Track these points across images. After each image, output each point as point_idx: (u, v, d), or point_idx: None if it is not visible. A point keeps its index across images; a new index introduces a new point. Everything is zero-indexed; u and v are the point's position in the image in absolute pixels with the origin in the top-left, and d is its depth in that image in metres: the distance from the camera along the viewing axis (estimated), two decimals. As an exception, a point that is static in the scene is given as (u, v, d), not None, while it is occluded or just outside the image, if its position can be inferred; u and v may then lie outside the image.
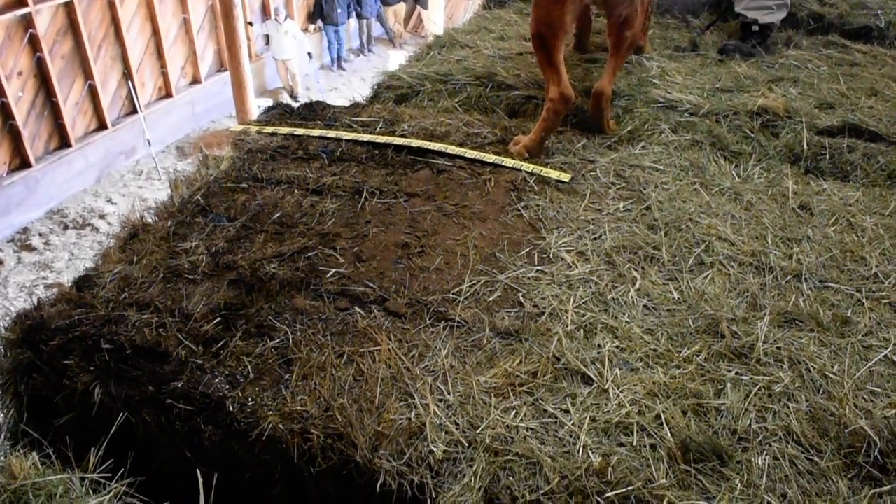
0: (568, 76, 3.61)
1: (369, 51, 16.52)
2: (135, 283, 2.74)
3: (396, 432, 2.15)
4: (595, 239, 3.00)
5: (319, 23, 14.93)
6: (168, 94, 12.04)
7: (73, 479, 2.01)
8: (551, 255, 2.89)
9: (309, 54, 13.63)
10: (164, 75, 11.85)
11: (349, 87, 14.47)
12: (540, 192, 3.29)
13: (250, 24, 12.69)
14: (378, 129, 3.87)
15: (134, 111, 11.20)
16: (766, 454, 2.09)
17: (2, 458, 2.10)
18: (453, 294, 2.67)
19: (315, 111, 4.18)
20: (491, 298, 2.66)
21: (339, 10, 14.46)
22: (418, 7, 17.10)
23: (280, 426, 2.18)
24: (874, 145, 3.74)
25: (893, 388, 2.32)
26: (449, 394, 2.27)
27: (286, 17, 13.05)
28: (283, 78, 13.95)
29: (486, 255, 2.88)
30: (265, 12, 13.67)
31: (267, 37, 13.52)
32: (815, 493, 2.00)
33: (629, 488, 1.98)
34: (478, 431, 2.15)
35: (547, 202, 3.22)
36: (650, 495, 1.97)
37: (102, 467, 2.08)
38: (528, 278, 2.76)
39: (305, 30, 14.62)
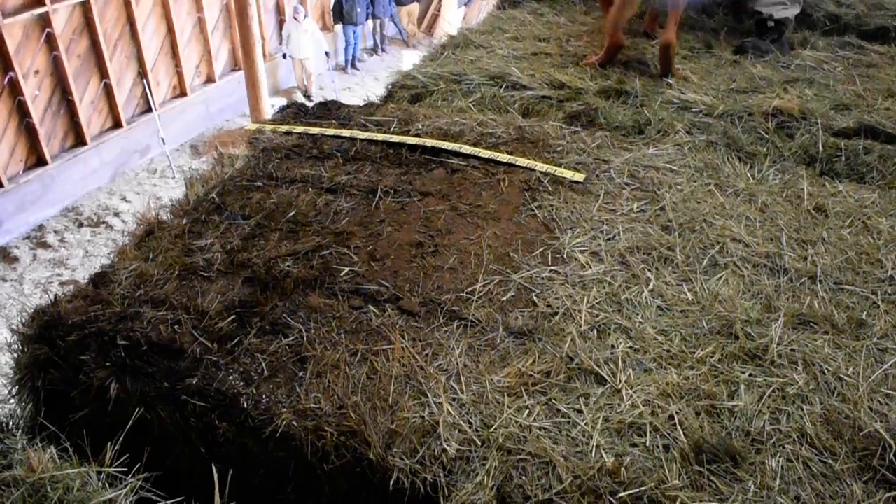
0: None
1: (383, 50, 16.52)
2: (150, 280, 2.76)
3: (410, 430, 2.16)
4: (609, 239, 2.99)
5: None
6: (183, 93, 12.08)
7: (89, 473, 2.03)
8: (565, 256, 2.89)
9: (326, 53, 13.66)
10: (179, 74, 11.89)
11: (363, 86, 14.45)
12: (554, 192, 3.29)
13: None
14: (392, 129, 3.88)
15: (149, 110, 11.24)
16: (780, 456, 2.09)
17: (20, 451, 2.12)
18: (467, 293, 2.68)
19: (329, 110, 4.20)
20: (504, 298, 2.67)
21: (359, 10, 14.47)
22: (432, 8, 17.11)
23: (294, 423, 2.20)
24: (891, 147, 3.71)
25: (909, 391, 2.31)
26: (462, 393, 2.27)
27: (305, 16, 13.08)
28: (299, 77, 13.96)
29: (499, 255, 2.88)
30: (279, 11, 13.70)
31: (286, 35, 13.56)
32: (829, 495, 1.99)
33: (642, 489, 1.98)
34: (491, 430, 2.15)
35: (561, 202, 3.22)
36: (663, 496, 1.97)
37: (118, 462, 2.10)
38: (542, 278, 2.76)
39: (324, 29, 14.64)
